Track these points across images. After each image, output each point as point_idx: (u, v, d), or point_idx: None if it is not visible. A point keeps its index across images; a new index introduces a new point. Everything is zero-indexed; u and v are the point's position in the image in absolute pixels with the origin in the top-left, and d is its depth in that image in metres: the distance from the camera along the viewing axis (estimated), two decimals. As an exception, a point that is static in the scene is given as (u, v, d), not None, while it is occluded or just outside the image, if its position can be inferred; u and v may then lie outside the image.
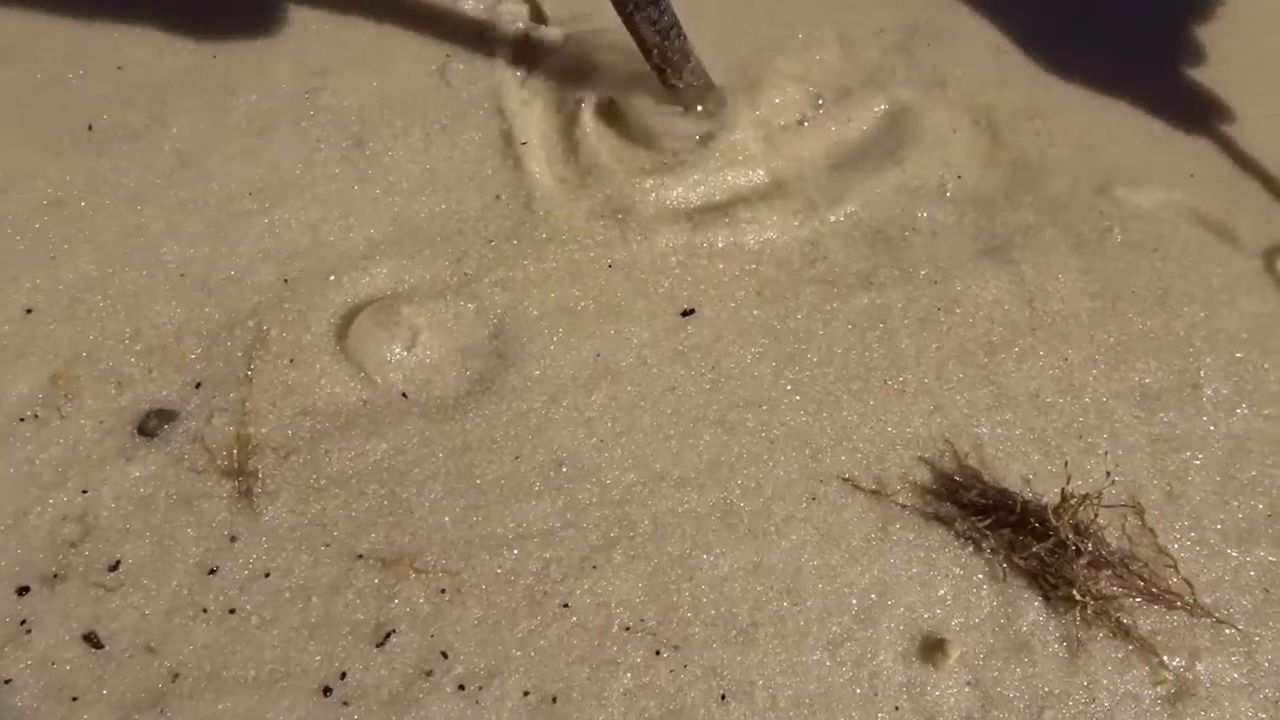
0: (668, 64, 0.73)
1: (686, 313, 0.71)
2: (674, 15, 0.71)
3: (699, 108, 0.77)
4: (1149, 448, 0.70)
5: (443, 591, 0.60)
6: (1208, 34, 0.89)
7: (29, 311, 0.65)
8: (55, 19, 0.75)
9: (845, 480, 0.66)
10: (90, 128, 0.71)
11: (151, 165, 0.70)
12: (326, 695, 0.56)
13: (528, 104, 0.77)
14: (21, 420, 0.62)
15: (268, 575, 0.59)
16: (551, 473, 0.64)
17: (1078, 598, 0.63)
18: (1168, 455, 0.69)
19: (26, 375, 0.63)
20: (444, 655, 0.58)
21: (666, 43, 0.72)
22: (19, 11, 0.75)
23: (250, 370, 0.65)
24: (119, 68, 0.74)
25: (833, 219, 0.77)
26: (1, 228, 0.67)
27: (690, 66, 0.75)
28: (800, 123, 0.81)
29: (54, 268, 0.66)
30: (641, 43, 0.72)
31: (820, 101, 0.82)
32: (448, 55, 0.78)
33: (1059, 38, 0.87)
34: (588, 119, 0.76)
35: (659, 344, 0.70)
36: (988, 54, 0.86)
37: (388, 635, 0.58)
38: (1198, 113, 0.85)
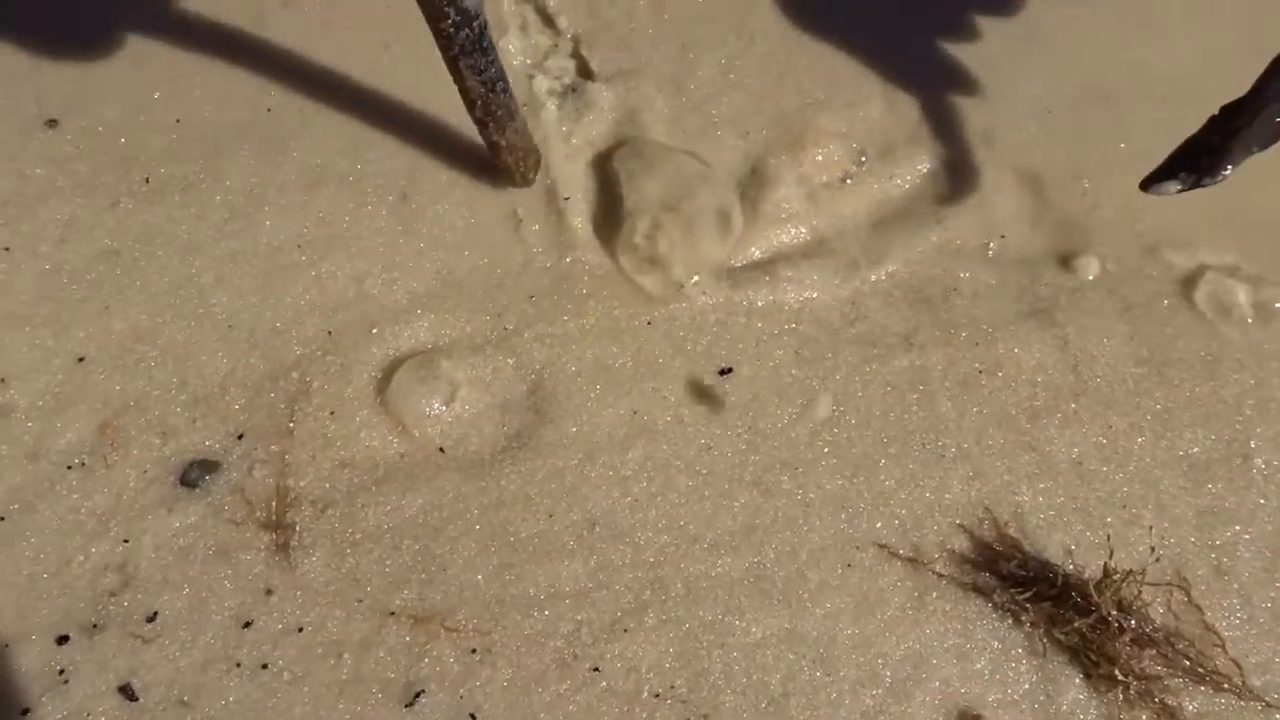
0: (490, 118, 0.69)
1: (724, 371, 0.71)
2: (501, 68, 0.67)
3: (519, 174, 0.75)
4: (1196, 520, 0.68)
5: (473, 651, 0.60)
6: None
7: (81, 360, 0.66)
8: (118, 73, 0.77)
9: (881, 547, 0.66)
10: (147, 180, 0.73)
11: (204, 217, 0.72)
12: (355, 754, 0.57)
13: (571, 160, 0.78)
14: (69, 468, 0.63)
15: (301, 630, 0.60)
16: (585, 532, 0.64)
17: (1120, 677, 0.61)
18: (1215, 529, 0.68)
19: (76, 424, 0.64)
20: (472, 717, 0.58)
21: (491, 95, 0.68)
22: (84, 66, 0.77)
23: (292, 422, 0.65)
24: (176, 121, 0.76)
25: (874, 278, 0.76)
26: (59, 277, 0.69)
27: (514, 125, 0.71)
28: (843, 180, 0.81)
29: (107, 317, 0.68)
30: (464, 93, 0.68)
31: (863, 159, 0.82)
32: (494, 111, 0.79)
33: (1106, 98, 0.87)
34: (623, 172, 0.77)
35: (696, 403, 0.70)
36: (1034, 114, 0.85)
37: (417, 695, 0.58)
38: (1250, 173, 0.83)
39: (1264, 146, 0.66)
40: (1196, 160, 0.68)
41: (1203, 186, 0.68)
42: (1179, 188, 0.68)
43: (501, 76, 0.67)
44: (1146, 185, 0.69)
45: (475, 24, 0.62)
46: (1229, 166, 0.66)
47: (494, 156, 0.73)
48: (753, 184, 0.78)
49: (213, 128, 0.76)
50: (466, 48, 0.64)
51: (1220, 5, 0.92)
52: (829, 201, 0.80)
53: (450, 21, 0.62)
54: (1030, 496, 0.68)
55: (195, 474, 0.63)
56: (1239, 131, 0.65)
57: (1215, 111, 0.67)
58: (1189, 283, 0.78)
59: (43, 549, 0.60)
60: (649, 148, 0.77)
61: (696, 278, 0.73)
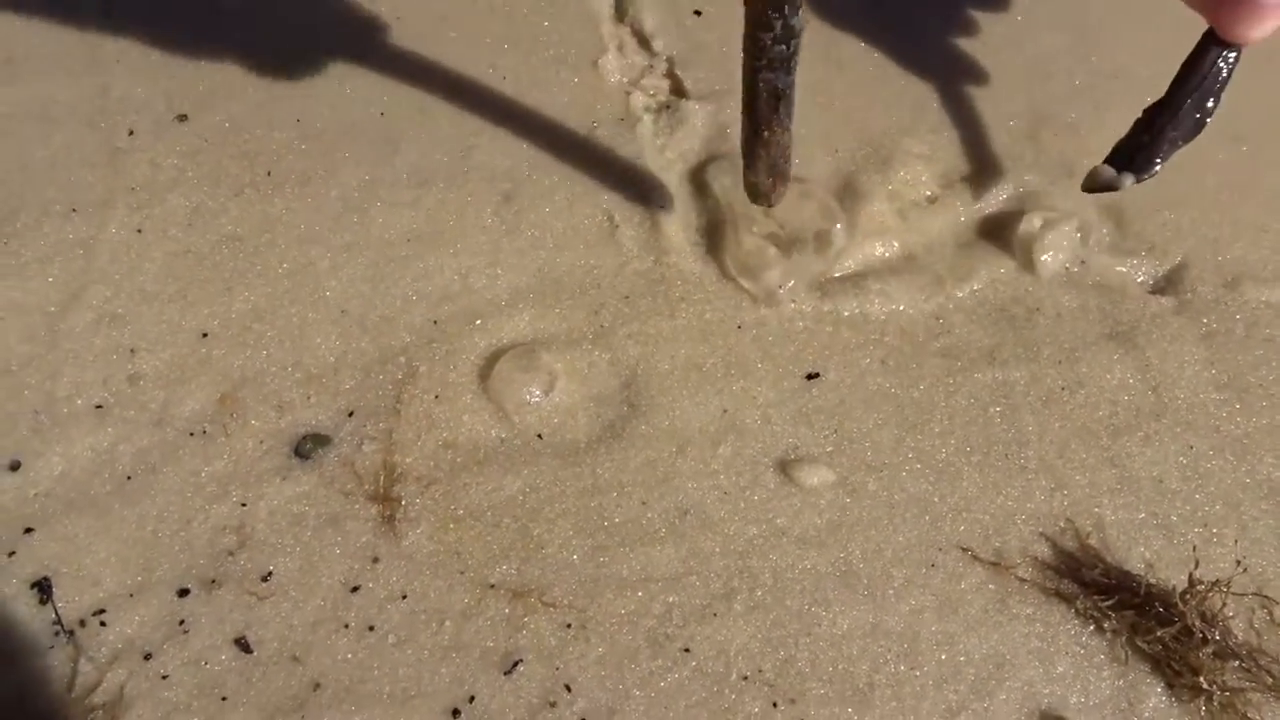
0: (762, 129, 0.69)
1: (811, 376, 0.73)
2: (792, 88, 0.67)
3: (764, 193, 0.73)
4: (1277, 543, 0.69)
5: (568, 626, 0.62)
6: (1341, 135, 0.89)
7: (204, 335, 0.70)
8: (244, 74, 0.82)
9: (964, 550, 0.67)
10: (269, 173, 0.77)
11: (320, 209, 0.76)
12: (455, 717, 0.58)
13: (666, 170, 0.82)
14: (191, 435, 0.66)
15: (405, 597, 0.62)
16: (676, 520, 0.66)
17: (1204, 687, 0.62)
18: (1297, 553, 0.68)
19: (198, 393, 0.68)
20: (567, 689, 0.60)
21: (772, 111, 0.67)
22: (214, 66, 0.82)
23: (399, 403, 0.68)
24: (298, 120, 0.80)
25: (959, 295, 0.78)
26: (187, 259, 0.73)
27: (779, 145, 0.70)
28: (930, 200, 0.83)
29: (229, 297, 0.72)
30: (748, 103, 0.68)
31: (949, 182, 0.84)
32: (594, 123, 0.83)
33: (1187, 132, 0.88)
34: (717, 185, 0.80)
35: (784, 404, 0.72)
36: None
37: (515, 664, 0.60)
38: (1330, 211, 0.85)
39: (1188, 140, 0.73)
40: (1129, 159, 0.74)
41: (1139, 182, 0.74)
42: (1117, 186, 0.73)
43: (789, 92, 0.67)
44: (1087, 187, 0.75)
45: (792, 42, 0.64)
46: (1159, 162, 0.73)
47: (747, 169, 0.72)
48: (846, 197, 0.80)
49: (330, 127, 0.80)
50: (774, 63, 0.65)
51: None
52: (917, 219, 0.82)
53: (773, 34, 0.63)
54: (1112, 510, 0.69)
55: (308, 446, 0.66)
56: (1164, 129, 0.72)
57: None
58: (1267, 314, 0.79)
59: (167, 508, 0.64)
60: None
61: (792, 282, 0.76)
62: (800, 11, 0.63)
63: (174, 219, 0.75)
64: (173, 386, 0.68)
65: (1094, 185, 0.74)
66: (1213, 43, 0.69)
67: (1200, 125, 0.72)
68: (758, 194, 0.73)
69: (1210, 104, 0.71)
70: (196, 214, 0.75)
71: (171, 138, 0.78)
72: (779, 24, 0.62)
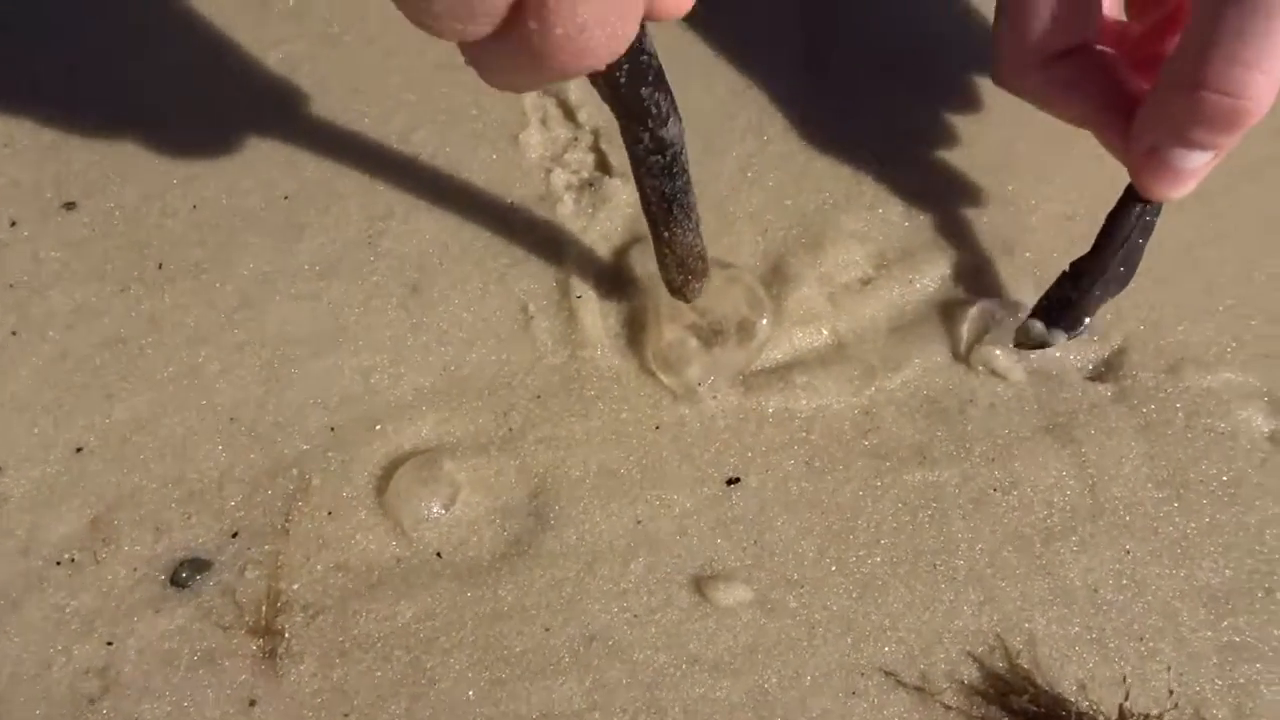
0: (662, 229, 0.66)
1: (732, 481, 0.70)
2: (685, 186, 0.63)
3: (680, 288, 0.70)
4: (1216, 656, 0.65)
5: (461, 771, 0.58)
6: (1276, 215, 0.87)
7: (79, 450, 0.66)
8: (138, 158, 0.78)
9: (888, 674, 0.63)
10: (160, 266, 0.73)
11: (213, 305, 0.72)
12: None
13: (586, 256, 0.78)
14: (58, 564, 0.62)
15: (285, 742, 0.58)
16: (582, 648, 0.63)
17: (1135, 827, 0.59)
18: (1237, 666, 0.65)
19: (69, 517, 0.63)
20: (456, 845, 0.56)
21: (667, 212, 0.64)
22: (105, 149, 0.78)
23: (288, 521, 0.64)
24: (194, 207, 0.76)
25: (890, 386, 0.75)
26: (64, 364, 0.69)
27: (685, 243, 0.67)
28: (863, 283, 0.80)
29: (109, 406, 0.67)
30: (642, 201, 0.65)
31: (883, 262, 0.81)
32: (511, 203, 0.79)
33: (1130, 207, 0.85)
34: (641, 274, 0.76)
35: (701, 513, 0.68)
36: (1056, 220, 0.84)
37: (401, 818, 0.56)
38: (1270, 293, 0.82)
39: (1116, 293, 0.71)
40: (1058, 316, 0.72)
41: (1069, 340, 0.73)
42: (1050, 343, 0.73)
43: (680, 196, 0.64)
44: (1018, 343, 0.74)
45: (669, 152, 0.61)
46: (1087, 318, 0.72)
47: (659, 266, 0.70)
48: (774, 282, 0.77)
49: (229, 213, 0.76)
50: (655, 170, 0.62)
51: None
52: (849, 303, 0.79)
53: (643, 147, 0.60)
54: (1044, 624, 0.66)
55: (186, 573, 0.62)
56: (1091, 287, 0.70)
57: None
58: (1209, 403, 0.76)
59: (26, 648, 0.59)
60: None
61: (712, 379, 0.72)
62: (670, 122, 0.59)
63: (54, 319, 0.70)
64: (41, 510, 0.63)
65: (1026, 342, 0.72)
66: (1135, 199, 0.67)
67: (1128, 277, 0.71)
68: (672, 290, 0.70)
69: (1137, 256, 0.70)
70: (78, 313, 0.71)
71: (56, 227, 0.74)
72: (646, 136, 0.59)
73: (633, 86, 0.57)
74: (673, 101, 0.59)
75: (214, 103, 0.81)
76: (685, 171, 0.63)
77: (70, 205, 0.75)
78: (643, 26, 0.55)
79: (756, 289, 0.76)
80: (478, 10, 0.44)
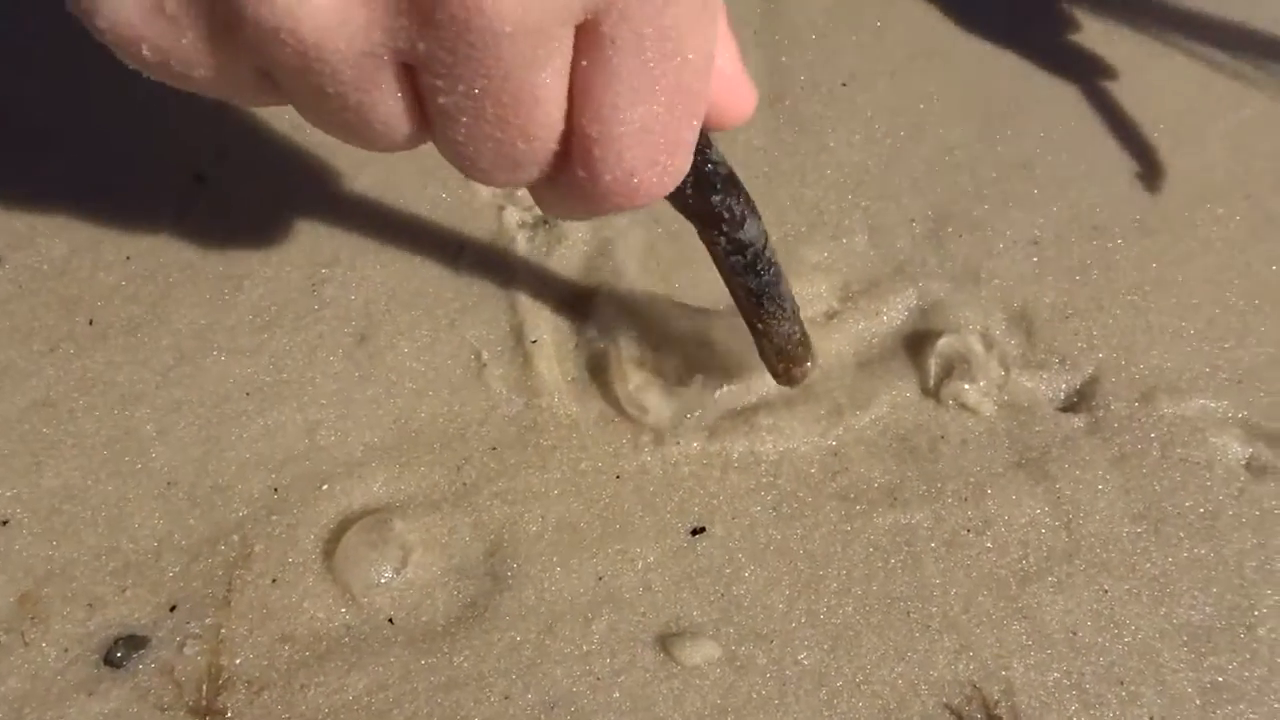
0: (756, 322, 0.65)
1: (697, 531, 0.67)
2: (775, 279, 0.62)
3: (784, 376, 0.69)
4: (1199, 698, 0.63)
5: None
6: (1251, 229, 0.85)
7: (4, 523, 0.62)
8: (67, 208, 0.74)
9: (863, 731, 0.61)
10: (91, 322, 0.70)
11: (148, 363, 0.69)
12: None
13: (540, 298, 0.75)
14: (-16, 646, 0.58)
15: (228, 832, 0.55)
16: (542, 716, 0.60)
17: None
18: (1219, 707, 0.63)
19: (-5, 595, 0.60)
20: None
21: (759, 306, 0.63)
22: (33, 201, 0.74)
23: (230, 591, 0.61)
24: (127, 259, 0.73)
25: (858, 426, 0.73)
26: (-12, 431, 0.65)
27: (782, 331, 0.66)
28: (828, 317, 0.78)
29: (37, 474, 0.64)
30: (733, 295, 0.64)
31: (848, 294, 0.79)
32: (461, 246, 0.77)
33: (1096, 229, 0.84)
34: (601, 317, 0.74)
35: (666, 566, 0.66)
36: (1023, 247, 0.83)
37: None
38: (1243, 315, 0.81)
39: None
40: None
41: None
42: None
43: (769, 289, 0.63)
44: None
45: (749, 251, 0.59)
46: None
47: (760, 355, 0.69)
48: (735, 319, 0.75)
49: (165, 265, 0.73)
50: (737, 269, 0.61)
51: (1205, 140, 0.90)
52: (815, 339, 0.76)
53: (722, 248, 0.59)
54: (1022, 671, 0.63)
55: (121, 652, 0.58)
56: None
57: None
58: (1183, 431, 0.74)
59: (-53, 742, 0.56)
60: (633, 293, 0.74)
61: (683, 420, 0.70)
62: (746, 224, 0.57)
63: (-22, 382, 0.67)
64: (-36, 589, 0.60)
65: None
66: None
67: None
68: (776, 377, 0.70)
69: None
70: (4, 375, 0.67)
71: (-19, 284, 0.71)
72: (723, 240, 0.58)
73: (701, 196, 0.55)
74: (748, 202, 0.58)
75: (148, 151, 0.78)
76: (772, 264, 0.62)
77: (-4, 260, 0.71)
78: (705, 135, 0.53)
79: (713, 327, 0.74)
80: (523, 163, 0.44)
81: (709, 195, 0.55)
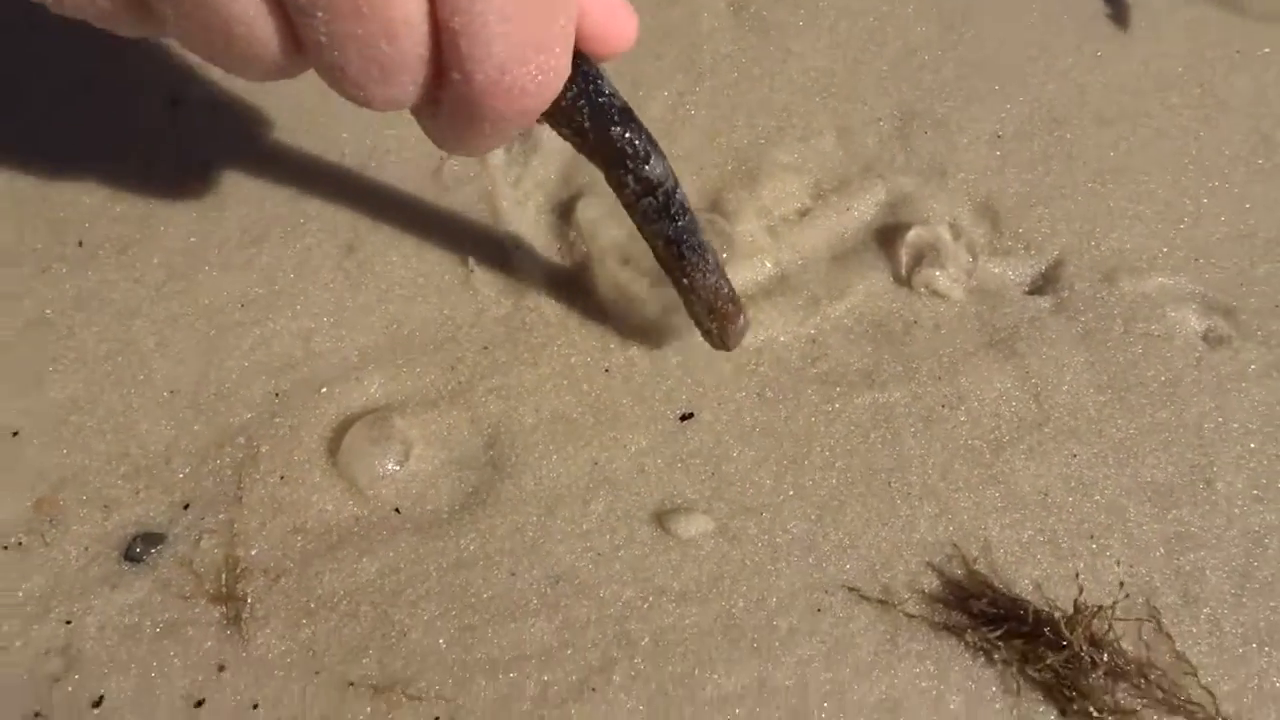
0: (677, 274, 0.64)
1: (685, 417, 0.70)
2: (691, 227, 0.61)
3: (713, 335, 0.68)
4: (1163, 548, 0.67)
5: (437, 719, 0.58)
6: (1205, 117, 0.89)
7: (15, 434, 0.64)
8: (43, 134, 0.75)
9: (851, 589, 0.64)
10: (80, 243, 0.71)
11: (141, 279, 0.70)
12: (315, 837, 0.54)
13: (521, 205, 0.77)
14: (4, 549, 0.60)
15: (256, 707, 0.57)
16: (548, 589, 0.63)
17: (1094, 713, 0.61)
18: (1182, 555, 0.67)
19: (10, 501, 0.62)
20: (438, 790, 0.56)
21: (676, 255, 0.62)
22: (7, 129, 0.75)
23: (240, 489, 0.63)
24: (108, 181, 0.73)
25: (835, 314, 0.76)
26: (-11, 348, 0.66)
27: (706, 283, 0.65)
28: (801, 214, 0.80)
29: (41, 388, 0.65)
30: (652, 248, 0.63)
31: (820, 192, 0.82)
32: (441, 158, 0.78)
33: (1055, 122, 0.87)
34: (582, 219, 0.76)
35: (657, 450, 0.68)
36: (987, 140, 0.85)
37: (379, 770, 0.56)
38: (1196, 198, 0.84)
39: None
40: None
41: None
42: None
43: (686, 237, 0.62)
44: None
45: (660, 191, 0.59)
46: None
47: (690, 316, 0.68)
48: (714, 218, 0.77)
49: (147, 186, 0.74)
50: (650, 215, 0.60)
51: (1160, 30, 0.93)
52: (789, 235, 0.79)
53: (630, 190, 0.59)
54: (998, 531, 0.67)
55: (139, 548, 0.61)
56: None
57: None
58: (1144, 307, 0.77)
59: (-22, 636, 0.58)
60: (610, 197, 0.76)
61: (670, 317, 0.72)
62: (651, 160, 0.58)
63: (-26, 304, 0.68)
64: (-20, 496, 0.62)
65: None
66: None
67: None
68: (710, 340, 0.68)
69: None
70: (-1, 297, 0.68)
71: (-32, 210, 0.71)
72: (630, 179, 0.58)
73: (600, 129, 0.56)
74: (652, 140, 0.58)
75: (121, 76, 0.78)
76: (686, 211, 0.62)
77: (-21, 186, 0.72)
78: (597, 67, 0.54)
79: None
80: (392, 70, 0.44)
81: (608, 127, 0.56)
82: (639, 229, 0.63)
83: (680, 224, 0.61)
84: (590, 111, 0.55)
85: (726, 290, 0.66)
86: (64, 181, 0.73)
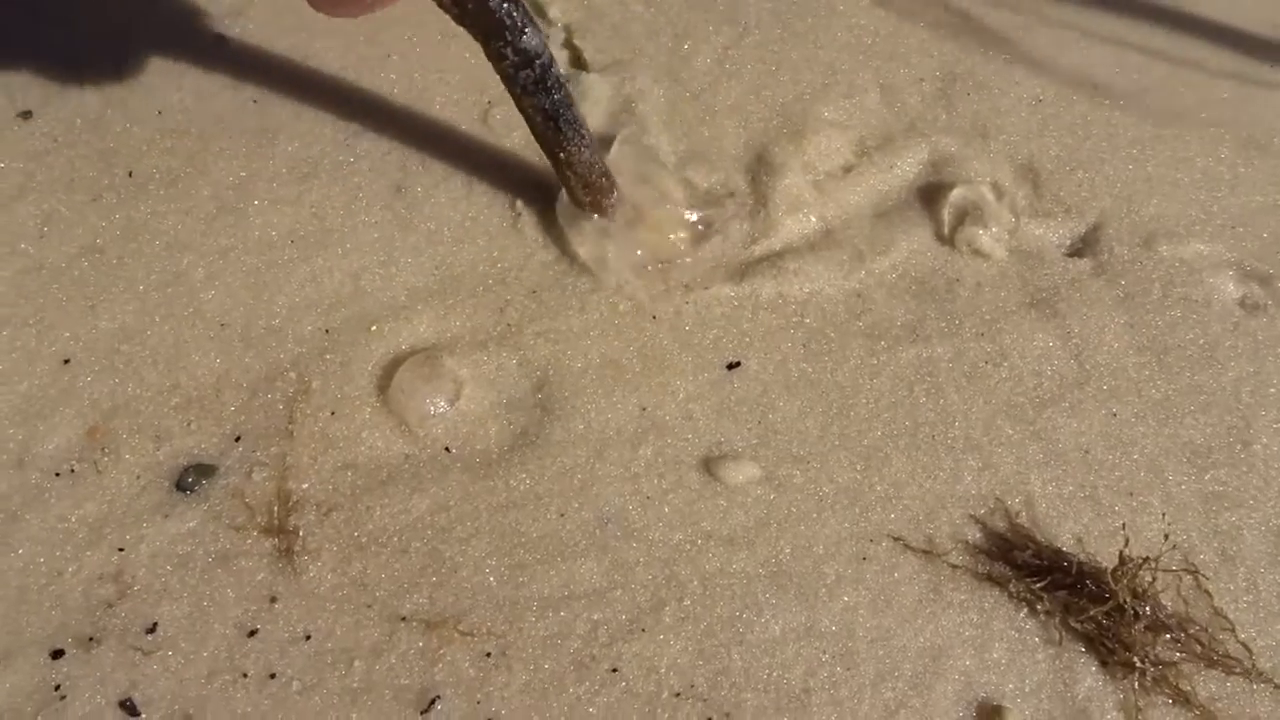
0: (556, 149, 0.67)
1: (732, 365, 0.70)
2: (566, 101, 0.64)
3: (587, 205, 0.72)
4: (1201, 506, 0.68)
5: (488, 655, 0.58)
6: (1246, 94, 0.89)
7: (66, 362, 0.64)
8: (94, 64, 0.74)
9: (896, 539, 0.65)
10: (130, 173, 0.70)
11: (191, 212, 0.70)
12: (371, 764, 0.55)
13: (569, 151, 0.77)
14: (57, 475, 0.60)
15: (309, 638, 0.58)
16: (597, 530, 0.63)
17: (1136, 664, 0.61)
18: (1220, 514, 0.68)
19: (63, 428, 0.61)
20: (491, 722, 0.56)
21: (555, 130, 0.65)
22: (59, 57, 0.74)
23: (291, 423, 0.63)
24: (159, 113, 0.73)
25: (879, 269, 0.76)
26: (40, 275, 0.66)
27: (581, 158, 0.68)
28: (845, 170, 0.80)
29: (93, 317, 0.65)
30: (529, 124, 0.66)
31: (864, 149, 0.82)
32: (489, 102, 0.78)
33: (1095, 89, 0.87)
34: (627, 169, 0.75)
35: (704, 397, 0.69)
36: (1028, 104, 0.85)
37: (432, 702, 0.56)
38: (1234, 167, 0.84)
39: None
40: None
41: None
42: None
43: (563, 111, 0.65)
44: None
45: (537, 64, 0.62)
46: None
47: (565, 189, 0.71)
48: (760, 172, 0.77)
49: (196, 119, 0.73)
50: (529, 87, 0.63)
51: (1199, 10, 0.93)
52: (833, 191, 0.79)
53: (509, 63, 0.61)
54: (1040, 485, 0.68)
55: (191, 478, 0.61)
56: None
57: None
58: (1182, 272, 0.78)
59: (33, 560, 0.58)
60: (657, 145, 0.76)
61: (708, 267, 0.73)
62: (528, 32, 0.60)
63: (23, 231, 0.67)
64: (32, 422, 0.61)
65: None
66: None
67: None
68: (585, 209, 0.71)
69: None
70: (49, 223, 0.68)
71: (14, 138, 0.71)
72: (509, 51, 0.61)
73: (479, 1, 0.58)
74: (526, 11, 0.61)
75: (168, 11, 0.78)
76: (561, 86, 0.64)
77: (26, 115, 0.71)
78: None
79: (740, 184, 0.76)
80: None
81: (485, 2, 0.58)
82: (516, 103, 0.65)
83: (556, 97, 0.64)
84: None
85: (600, 166, 0.69)
86: (114, 111, 0.73)
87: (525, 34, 0.60)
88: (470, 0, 0.58)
